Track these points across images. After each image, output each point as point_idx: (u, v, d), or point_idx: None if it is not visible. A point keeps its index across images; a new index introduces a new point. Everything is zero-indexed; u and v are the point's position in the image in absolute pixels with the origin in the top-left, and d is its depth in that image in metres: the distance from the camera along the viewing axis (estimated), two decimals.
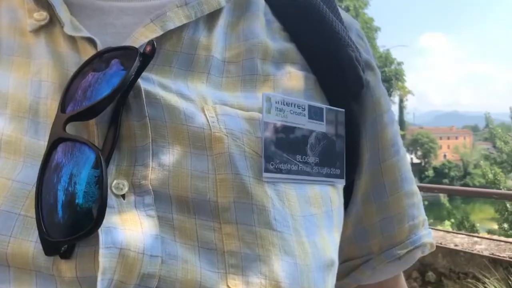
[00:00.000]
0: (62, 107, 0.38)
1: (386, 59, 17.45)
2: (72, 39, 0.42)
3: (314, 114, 0.43)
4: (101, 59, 0.39)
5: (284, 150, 0.41)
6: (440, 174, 49.56)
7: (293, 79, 0.46)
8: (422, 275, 3.65)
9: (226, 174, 0.38)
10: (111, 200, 0.36)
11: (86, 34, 0.41)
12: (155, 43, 0.39)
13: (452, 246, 3.56)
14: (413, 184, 0.54)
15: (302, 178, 0.42)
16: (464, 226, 14.09)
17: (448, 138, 62.14)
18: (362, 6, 17.37)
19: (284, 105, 0.41)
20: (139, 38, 0.41)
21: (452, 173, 49.33)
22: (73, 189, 0.34)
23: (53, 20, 0.43)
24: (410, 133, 54.48)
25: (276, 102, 0.41)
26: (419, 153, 53.77)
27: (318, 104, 0.44)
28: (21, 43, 0.43)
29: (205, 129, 0.39)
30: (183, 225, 0.37)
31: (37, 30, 0.43)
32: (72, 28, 0.42)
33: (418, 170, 50.24)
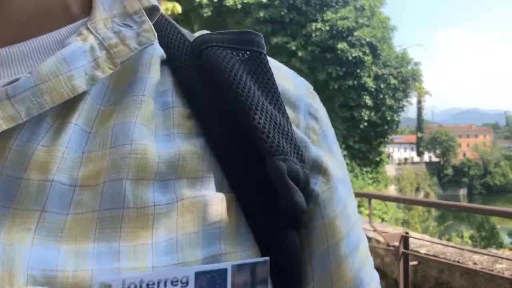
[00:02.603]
0: None
1: (402, 59, 16.95)
2: None
3: (208, 285, 0.26)
4: None
5: None
6: (460, 173, 48.76)
7: (189, 207, 0.30)
8: None
9: None
10: None
11: None
12: None
13: (470, 264, 3.36)
14: None
15: None
16: (484, 228, 13.66)
17: (468, 137, 61.14)
18: (378, 5, 16.94)
19: None
20: None
21: (472, 172, 48.48)
22: None
23: None
24: (429, 131, 53.82)
25: None
26: (437, 151, 52.98)
27: (216, 266, 0.27)
28: None
29: None
30: None
31: None
32: None
33: (437, 169, 49.47)
